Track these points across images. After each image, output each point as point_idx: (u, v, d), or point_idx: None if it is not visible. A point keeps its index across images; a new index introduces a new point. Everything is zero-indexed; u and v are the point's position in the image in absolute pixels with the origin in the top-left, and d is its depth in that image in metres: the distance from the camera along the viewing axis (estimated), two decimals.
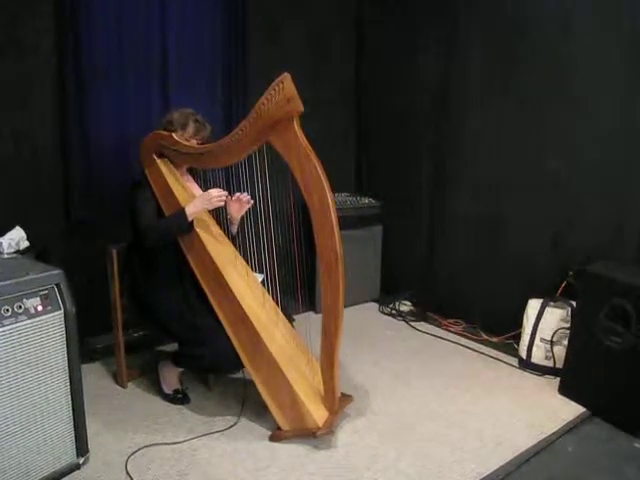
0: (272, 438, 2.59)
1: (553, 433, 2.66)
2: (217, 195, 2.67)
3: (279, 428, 2.60)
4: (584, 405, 2.88)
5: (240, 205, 2.87)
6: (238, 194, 2.84)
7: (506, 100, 3.55)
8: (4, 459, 1.84)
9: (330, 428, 2.55)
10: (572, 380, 2.97)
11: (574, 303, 3.09)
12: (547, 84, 3.33)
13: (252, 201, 2.83)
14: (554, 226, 3.41)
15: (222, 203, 2.71)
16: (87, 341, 3.28)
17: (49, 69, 3.10)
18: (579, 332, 2.94)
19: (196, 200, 2.70)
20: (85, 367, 3.05)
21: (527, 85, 3.42)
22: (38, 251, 2.80)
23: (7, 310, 1.81)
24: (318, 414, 2.56)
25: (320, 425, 2.52)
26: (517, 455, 2.49)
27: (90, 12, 3.15)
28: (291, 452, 2.50)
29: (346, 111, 4.58)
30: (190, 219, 2.68)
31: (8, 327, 1.81)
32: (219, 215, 2.96)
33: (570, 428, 2.73)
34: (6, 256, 2.17)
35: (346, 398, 2.79)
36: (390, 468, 2.40)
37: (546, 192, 3.42)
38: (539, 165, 3.43)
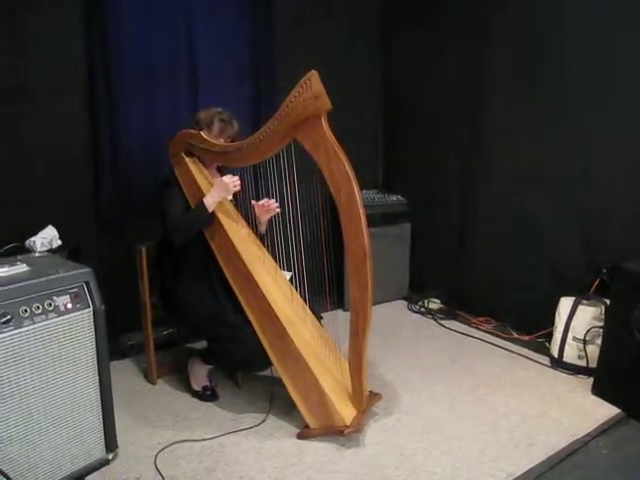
0: (300, 436, 2.59)
1: (586, 434, 2.61)
2: (231, 181, 2.70)
3: (307, 426, 2.60)
4: (618, 406, 2.81)
5: (267, 210, 2.89)
6: (265, 200, 2.85)
7: (536, 96, 3.49)
8: (36, 453, 1.87)
9: (358, 427, 2.54)
10: (606, 380, 2.91)
11: (607, 301, 3.02)
12: (579, 80, 3.26)
13: (279, 209, 2.85)
14: (586, 223, 3.34)
15: (238, 188, 2.74)
16: (118, 338, 3.33)
17: (79, 72, 3.14)
18: (613, 331, 2.87)
19: (212, 190, 2.73)
20: (116, 364, 3.11)
21: (558, 81, 3.36)
22: (70, 250, 2.84)
23: (38, 307, 1.84)
24: (346, 412, 2.55)
25: (348, 423, 2.51)
26: (549, 456, 2.45)
27: (118, 15, 3.19)
28: (319, 450, 2.50)
29: (374, 109, 4.56)
30: (210, 209, 2.70)
31: (39, 324, 1.83)
32: (247, 214, 2.97)
33: (604, 430, 2.66)
34: (38, 254, 2.20)
35: (374, 396, 2.77)
36: (419, 467, 2.38)
37: (578, 188, 3.35)
38: (570, 161, 3.36)
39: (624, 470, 2.38)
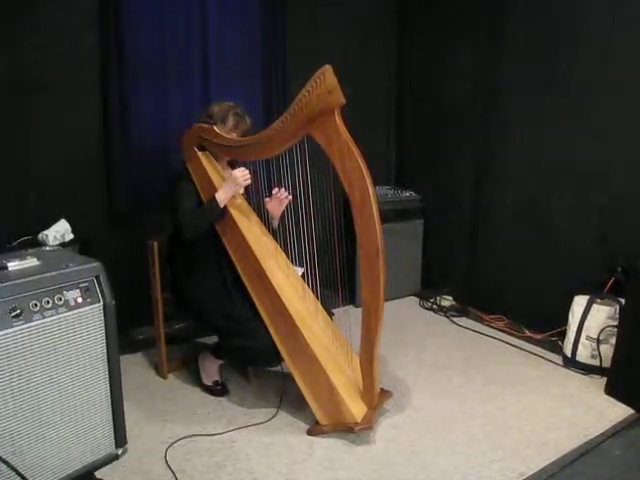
0: (310, 432, 2.58)
1: (599, 435, 2.58)
2: (241, 175, 2.68)
3: (317, 422, 2.59)
4: (633, 407, 2.78)
5: (279, 202, 2.87)
6: (275, 190, 2.84)
7: (551, 92, 3.45)
8: (45, 448, 1.87)
9: (369, 423, 2.53)
10: (620, 380, 2.88)
11: (622, 300, 2.99)
12: (595, 75, 3.22)
13: (290, 197, 2.83)
14: (602, 220, 3.30)
15: (249, 181, 2.72)
16: (129, 332, 3.34)
17: (92, 68, 3.15)
18: (628, 330, 2.84)
19: (224, 185, 2.72)
20: (127, 358, 3.13)
21: (574, 76, 3.32)
22: (81, 243, 2.86)
23: (48, 302, 1.83)
24: (357, 409, 2.54)
25: (358, 420, 2.50)
26: (561, 456, 2.42)
27: (132, 12, 3.19)
28: (329, 446, 2.49)
29: (388, 104, 4.53)
30: (222, 205, 2.69)
31: (49, 319, 1.83)
32: (260, 209, 2.96)
33: (617, 430, 2.63)
34: (49, 248, 2.20)
35: (385, 393, 2.76)
36: (429, 465, 2.37)
37: (593, 186, 3.31)
38: (586, 158, 3.32)
39: (637, 471, 2.35)
